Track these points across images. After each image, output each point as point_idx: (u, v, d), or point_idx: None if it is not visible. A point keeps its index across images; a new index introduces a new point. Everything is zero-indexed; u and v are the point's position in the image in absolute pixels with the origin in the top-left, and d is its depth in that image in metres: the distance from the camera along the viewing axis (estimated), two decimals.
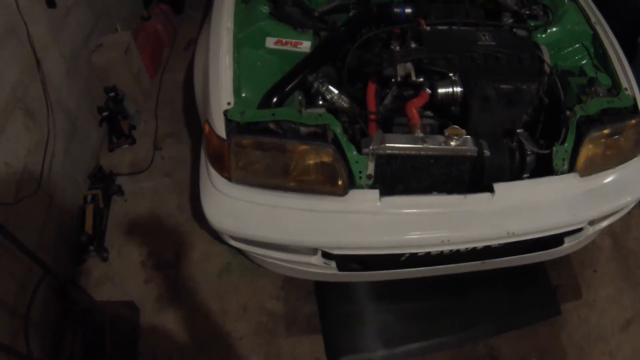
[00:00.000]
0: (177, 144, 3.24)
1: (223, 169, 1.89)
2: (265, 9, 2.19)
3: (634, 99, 2.09)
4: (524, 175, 2.03)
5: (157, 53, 3.78)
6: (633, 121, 2.04)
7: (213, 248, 2.58)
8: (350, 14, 2.37)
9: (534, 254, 2.19)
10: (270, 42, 2.15)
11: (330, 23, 2.37)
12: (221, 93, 1.90)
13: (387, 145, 1.77)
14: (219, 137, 1.84)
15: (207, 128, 1.93)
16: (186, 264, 2.68)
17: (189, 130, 3.31)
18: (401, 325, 2.45)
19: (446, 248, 1.91)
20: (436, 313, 2.51)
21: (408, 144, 1.79)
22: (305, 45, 2.17)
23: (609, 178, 2.06)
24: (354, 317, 2.46)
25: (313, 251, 1.98)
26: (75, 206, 2.72)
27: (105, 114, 3.02)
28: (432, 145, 1.79)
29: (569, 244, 2.21)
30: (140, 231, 2.80)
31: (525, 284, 2.56)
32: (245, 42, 2.10)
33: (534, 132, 2.11)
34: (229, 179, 1.88)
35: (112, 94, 3.07)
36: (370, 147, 1.76)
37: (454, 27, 2.18)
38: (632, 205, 2.18)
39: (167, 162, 3.14)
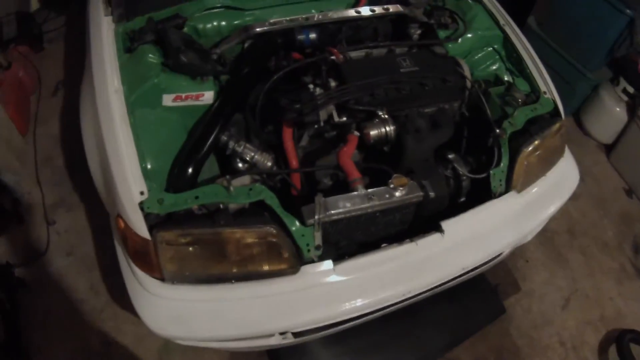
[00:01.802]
0: (70, 213, 2.90)
1: (151, 269, 1.64)
2: (155, 57, 1.89)
3: (554, 102, 2.07)
4: (461, 200, 1.96)
5: (24, 105, 3.35)
6: (557, 125, 2.02)
7: (143, 329, 2.29)
8: (246, 44, 2.13)
9: (478, 270, 2.14)
10: (167, 100, 1.88)
11: (229, 63, 2.12)
12: (130, 182, 1.61)
13: (332, 212, 1.62)
14: (139, 235, 1.59)
15: (121, 224, 1.66)
16: (119, 352, 2.41)
17: (79, 194, 2.98)
18: None
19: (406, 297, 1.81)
20: (390, 340, 2.44)
21: (354, 205, 1.64)
22: (208, 96, 1.93)
23: (542, 186, 2.05)
24: None
25: (270, 334, 1.79)
26: None
27: None
28: (379, 202, 1.66)
29: (507, 252, 2.20)
30: (59, 325, 2.47)
31: (467, 292, 2.55)
32: (139, 104, 1.81)
33: (460, 149, 2.04)
34: (161, 278, 1.64)
35: None
36: (316, 217, 1.59)
37: (368, 50, 2.05)
38: None
39: (65, 237, 2.79)
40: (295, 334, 1.86)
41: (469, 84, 2.02)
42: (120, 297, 2.05)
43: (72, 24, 4.02)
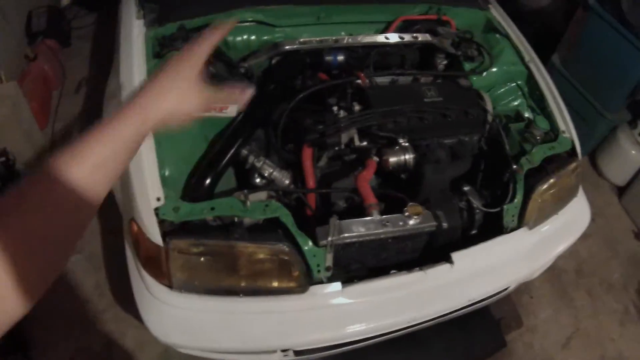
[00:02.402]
0: None
1: (161, 276, 1.65)
2: None
3: (572, 142, 2.08)
4: (473, 232, 1.97)
5: (47, 99, 3.39)
6: (574, 165, 2.04)
7: (145, 335, 2.29)
8: (274, 61, 2.16)
9: (484, 302, 2.15)
10: None
11: (255, 77, 2.14)
12: (147, 187, 1.62)
13: (346, 235, 1.63)
14: (151, 241, 1.59)
15: (135, 228, 1.67)
16: (120, 355, 2.41)
17: None
18: None
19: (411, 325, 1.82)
20: None
21: (368, 230, 1.65)
22: (232, 110, 1.94)
23: (554, 224, 2.05)
24: None
25: (273, 350, 1.80)
26: None
27: None
28: (393, 228, 1.67)
29: (513, 286, 2.21)
30: (61, 323, 2.47)
31: (470, 322, 2.54)
32: None
33: (476, 182, 2.05)
34: (169, 286, 1.65)
35: (2, 159, 2.70)
36: (329, 239, 1.60)
37: (394, 77, 2.06)
38: None
39: None
40: (297, 352, 1.87)
41: (490, 117, 2.03)
42: (125, 300, 2.05)
43: (102, 23, 4.07)
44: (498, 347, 2.63)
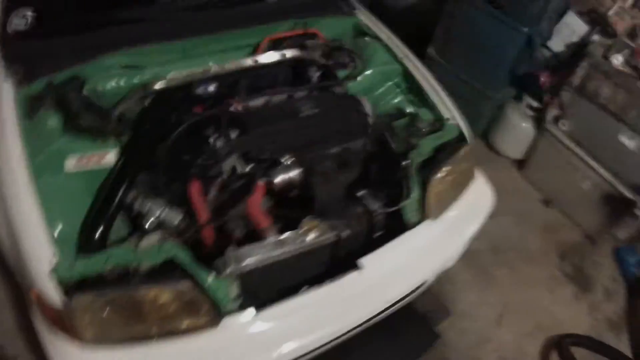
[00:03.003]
0: None
1: (72, 335, 1.58)
2: (54, 121, 1.86)
3: (458, 127, 2.13)
4: (378, 234, 1.98)
5: None
6: (465, 149, 2.08)
7: None
8: (146, 103, 2.10)
9: (404, 301, 2.15)
10: (70, 165, 1.84)
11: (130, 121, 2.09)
12: (39, 251, 1.57)
13: (245, 263, 1.61)
14: (54, 303, 1.54)
15: (35, 294, 1.61)
16: None
17: None
18: None
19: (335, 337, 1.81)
20: None
21: (267, 254, 1.64)
22: (110, 157, 1.90)
23: (458, 210, 2.09)
24: None
25: None
26: None
27: None
28: (292, 247, 1.67)
29: (431, 279, 2.23)
30: None
31: (397, 324, 2.51)
32: (43, 170, 1.76)
33: (371, 184, 2.05)
34: (83, 343, 1.58)
35: None
36: (228, 271, 1.58)
37: (268, 98, 2.06)
38: None
39: None
40: None
41: (371, 120, 2.06)
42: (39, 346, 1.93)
43: None
44: (432, 341, 2.63)
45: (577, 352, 2.68)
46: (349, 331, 1.89)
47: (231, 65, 2.10)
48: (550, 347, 2.74)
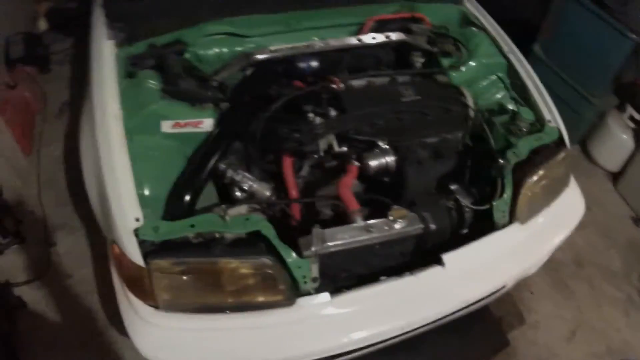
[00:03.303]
0: (71, 236, 2.86)
1: (146, 297, 1.62)
2: (155, 84, 1.88)
3: (559, 131, 2.04)
4: (463, 231, 1.92)
5: (29, 125, 3.35)
6: (562, 155, 2.00)
7: (141, 356, 2.27)
8: (247, 72, 2.12)
9: (482, 302, 2.11)
10: (166, 126, 1.86)
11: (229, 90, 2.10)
12: (125, 209, 1.59)
13: (330, 244, 1.59)
14: (133, 262, 1.56)
15: (116, 250, 1.64)
16: None
17: (80, 217, 2.94)
18: None
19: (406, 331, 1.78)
20: None
21: (352, 237, 1.62)
22: (207, 123, 1.92)
23: (547, 216, 2.01)
24: None
25: None
26: None
27: None
28: (378, 234, 1.64)
29: (511, 284, 2.16)
30: (56, 347, 2.42)
31: (470, 324, 2.48)
32: (138, 130, 1.80)
33: (463, 179, 2.00)
34: (156, 306, 1.61)
35: None
36: (312, 249, 1.56)
37: (370, 79, 2.03)
38: None
39: (65, 259, 2.76)
40: None
41: (472, 113, 1.99)
42: (119, 321, 2.01)
43: (79, 47, 4.04)
44: (501, 347, 2.58)
45: None
46: (421, 326, 1.85)
47: (335, 42, 2.09)
48: None
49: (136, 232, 1.55)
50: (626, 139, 3.29)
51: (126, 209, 1.59)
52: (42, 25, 4.12)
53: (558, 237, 2.04)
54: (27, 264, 2.73)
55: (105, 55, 1.97)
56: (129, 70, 1.95)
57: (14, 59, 3.52)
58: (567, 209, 2.09)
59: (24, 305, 2.54)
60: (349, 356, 1.87)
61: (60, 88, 3.73)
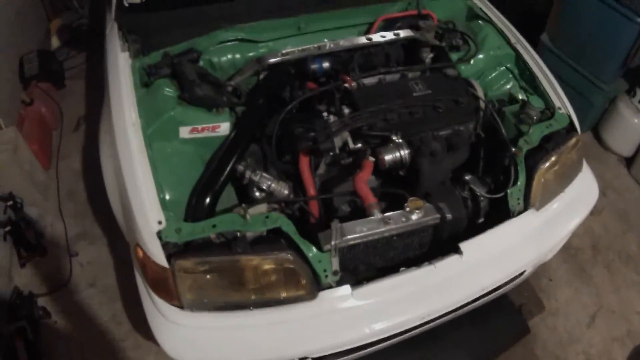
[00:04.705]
0: (92, 246, 2.93)
1: (170, 297, 1.66)
2: (171, 91, 1.93)
3: (569, 117, 2.07)
4: (479, 220, 1.96)
5: (46, 140, 3.43)
6: (573, 140, 2.02)
7: (165, 358, 2.32)
8: (261, 76, 2.17)
9: (500, 290, 2.13)
10: (184, 132, 1.92)
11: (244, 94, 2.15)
12: (148, 212, 1.64)
13: (349, 237, 1.63)
14: (157, 264, 1.61)
15: (140, 253, 1.68)
16: None
17: (101, 227, 3.01)
18: None
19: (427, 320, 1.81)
20: None
21: (370, 230, 1.65)
22: (224, 127, 1.97)
23: (561, 202, 2.04)
24: None
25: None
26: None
27: (8, 228, 2.68)
28: (396, 225, 1.67)
29: (529, 271, 2.18)
30: (81, 354, 2.48)
31: (490, 313, 2.51)
32: (156, 137, 1.85)
33: (477, 169, 2.03)
34: (180, 306, 1.66)
35: (9, 203, 2.74)
36: (332, 243, 1.60)
37: (381, 76, 2.07)
38: None
39: (88, 269, 2.83)
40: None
41: (482, 104, 2.03)
42: (142, 327, 2.07)
43: (92, 61, 4.13)
44: (522, 334, 2.60)
45: None
46: (442, 315, 1.88)
47: (345, 42, 2.14)
48: (638, 356, 2.63)
49: (159, 234, 1.60)
50: (637, 122, 3.29)
51: (148, 212, 1.64)
52: (55, 42, 4.22)
53: (573, 222, 2.06)
54: (50, 275, 2.79)
55: (121, 66, 2.02)
56: (145, 80, 2.01)
57: (29, 76, 3.59)
58: (581, 194, 2.11)
59: (48, 315, 2.60)
60: (373, 348, 1.91)
61: (76, 102, 3.81)
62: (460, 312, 2.01)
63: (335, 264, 1.65)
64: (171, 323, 1.67)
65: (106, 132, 2.04)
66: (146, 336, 2.49)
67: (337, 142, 1.87)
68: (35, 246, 2.81)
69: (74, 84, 3.98)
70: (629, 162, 3.53)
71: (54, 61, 3.90)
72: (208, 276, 1.62)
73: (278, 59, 2.08)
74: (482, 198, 1.90)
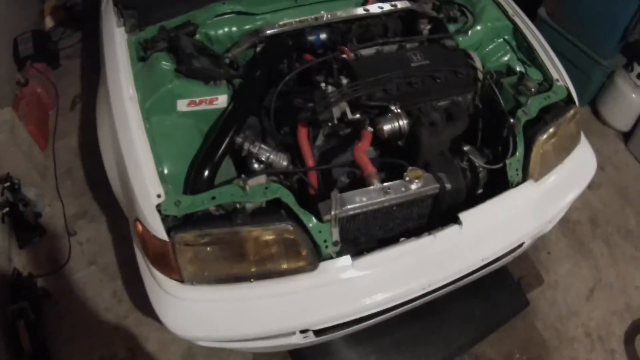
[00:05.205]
0: (91, 224, 2.92)
1: (171, 271, 1.66)
2: (168, 64, 1.91)
3: (567, 89, 2.06)
4: (478, 191, 1.96)
5: (43, 120, 3.41)
6: (572, 112, 2.01)
7: (167, 335, 2.30)
8: (258, 49, 2.16)
9: (499, 262, 2.12)
10: (182, 105, 1.90)
11: (241, 66, 2.14)
12: (147, 186, 1.63)
13: (349, 207, 1.62)
14: (157, 237, 1.60)
15: (140, 228, 1.68)
16: (144, 358, 2.42)
17: (100, 205, 3.01)
18: None
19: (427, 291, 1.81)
20: (415, 339, 2.42)
21: (370, 199, 1.65)
22: (222, 100, 1.96)
23: (560, 174, 2.03)
24: None
25: (291, 332, 1.80)
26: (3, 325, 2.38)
27: (6, 209, 2.67)
28: (395, 195, 1.67)
29: (528, 242, 2.19)
30: (83, 333, 2.49)
31: (490, 286, 2.54)
32: (154, 110, 1.84)
33: (476, 140, 2.02)
34: (181, 280, 1.66)
35: (7, 184, 2.72)
36: (332, 213, 1.59)
37: (379, 47, 2.05)
38: None
39: (87, 247, 2.82)
40: (317, 332, 1.86)
41: (480, 75, 2.02)
42: (143, 303, 2.07)
43: (88, 40, 4.10)
44: (521, 307, 2.62)
45: None
46: (442, 287, 1.88)
47: (343, 13, 2.12)
48: (637, 330, 2.65)
49: (159, 207, 1.59)
50: (635, 97, 3.28)
51: (148, 186, 1.63)
52: (49, 22, 4.18)
53: (572, 194, 2.06)
54: (49, 255, 2.79)
55: (117, 41, 2.01)
56: (141, 55, 1.99)
57: (24, 56, 3.57)
58: (580, 166, 2.11)
59: (49, 295, 2.61)
60: (374, 320, 1.92)
61: (72, 82, 3.78)
62: (460, 283, 2.02)
63: (335, 235, 1.64)
64: (172, 297, 1.66)
65: (103, 108, 2.03)
66: (147, 312, 2.50)
67: (336, 112, 1.86)
68: (34, 227, 2.81)
69: (69, 63, 3.95)
70: (626, 137, 3.53)
71: (48, 41, 3.87)
72: (208, 248, 1.62)
73: (275, 30, 2.07)
74: (480, 169, 1.90)
